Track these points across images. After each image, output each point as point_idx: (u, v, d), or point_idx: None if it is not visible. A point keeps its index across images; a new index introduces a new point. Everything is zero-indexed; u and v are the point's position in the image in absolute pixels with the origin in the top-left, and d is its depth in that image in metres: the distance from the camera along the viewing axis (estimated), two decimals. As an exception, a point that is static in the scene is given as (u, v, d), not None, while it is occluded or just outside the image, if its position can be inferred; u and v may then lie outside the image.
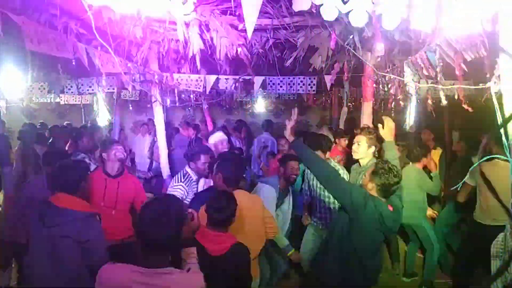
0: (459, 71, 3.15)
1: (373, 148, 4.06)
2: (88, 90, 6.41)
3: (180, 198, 3.48)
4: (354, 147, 4.15)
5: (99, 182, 4.02)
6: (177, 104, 7.58)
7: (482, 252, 2.77)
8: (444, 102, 3.70)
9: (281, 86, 6.26)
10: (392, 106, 5.20)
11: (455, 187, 3.35)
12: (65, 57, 3.44)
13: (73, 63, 3.63)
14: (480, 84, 2.33)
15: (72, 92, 6.55)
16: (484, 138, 4.97)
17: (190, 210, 2.43)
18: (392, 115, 6.68)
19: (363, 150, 4.08)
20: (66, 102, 9.87)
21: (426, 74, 3.75)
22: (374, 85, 4.98)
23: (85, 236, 2.85)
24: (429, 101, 4.28)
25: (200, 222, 2.44)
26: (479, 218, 4.38)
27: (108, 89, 6.43)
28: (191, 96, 8.56)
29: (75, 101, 9.89)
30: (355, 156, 4.15)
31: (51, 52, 3.27)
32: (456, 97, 3.44)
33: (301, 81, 6.26)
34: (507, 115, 2.04)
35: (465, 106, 3.30)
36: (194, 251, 2.41)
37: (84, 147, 5.35)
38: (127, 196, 4.17)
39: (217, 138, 5.14)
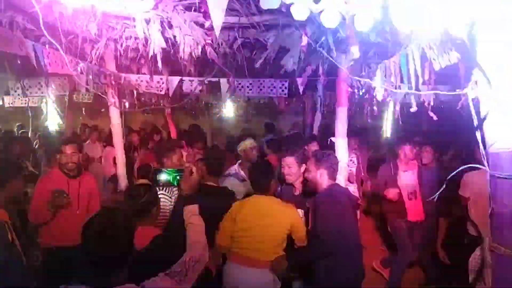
0: (429, 78, 3.26)
1: (303, 166, 4.10)
2: (36, 92, 6.25)
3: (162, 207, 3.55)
4: (285, 171, 4.16)
5: (60, 183, 4.19)
6: (136, 108, 7.48)
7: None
8: (414, 108, 3.81)
9: (250, 89, 6.29)
10: (368, 112, 5.29)
11: (432, 197, 3.43)
12: (11, 54, 3.36)
13: (18, 61, 3.55)
14: (457, 90, 2.41)
15: (18, 94, 6.37)
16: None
17: (187, 164, 2.55)
18: (369, 121, 6.86)
19: (296, 170, 4.13)
20: (11, 105, 9.57)
21: (393, 81, 3.86)
22: (349, 89, 5.06)
23: None
24: (396, 107, 4.40)
25: (199, 176, 2.61)
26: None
27: (60, 91, 6.30)
28: (152, 99, 8.48)
29: (22, 103, 9.60)
30: (290, 179, 4.17)
31: (-6, 49, 3.19)
32: (432, 103, 3.55)
33: (272, 84, 6.31)
34: (483, 121, 2.12)
35: (430, 114, 3.44)
36: (195, 209, 2.49)
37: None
38: (88, 196, 4.40)
39: (247, 145, 5.23)
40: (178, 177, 2.59)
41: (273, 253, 3.45)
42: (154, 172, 2.65)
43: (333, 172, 3.62)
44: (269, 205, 3.54)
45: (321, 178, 3.59)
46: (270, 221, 3.46)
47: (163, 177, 2.61)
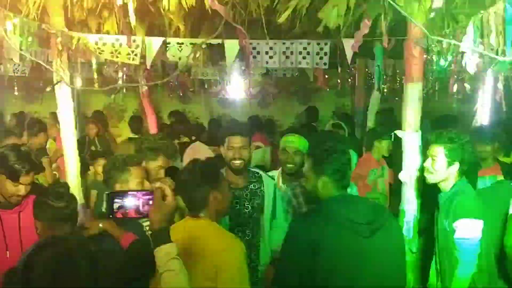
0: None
1: (456, 165, 4.16)
2: None
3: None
4: (427, 164, 4.26)
5: None
6: (95, 86, 7.52)
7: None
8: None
9: (271, 57, 6.27)
10: (454, 90, 5.25)
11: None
12: None
13: None
14: None
15: None
16: None
17: (158, 184, 2.60)
18: (454, 105, 6.80)
19: (441, 167, 4.18)
20: None
21: (493, 44, 3.81)
22: (425, 55, 5.01)
23: None
24: (498, 85, 4.34)
25: (176, 201, 2.62)
26: None
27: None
28: (120, 72, 8.51)
29: None
30: (431, 178, 4.29)
31: None
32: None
33: (305, 48, 6.28)
34: None
35: None
36: (174, 249, 2.52)
37: None
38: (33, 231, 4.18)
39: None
40: (149, 202, 2.58)
41: None
42: (110, 197, 2.61)
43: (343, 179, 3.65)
44: (195, 236, 3.43)
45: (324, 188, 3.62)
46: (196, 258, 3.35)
47: (129, 202, 2.59)
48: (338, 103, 13.16)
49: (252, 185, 4.79)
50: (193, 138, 8.86)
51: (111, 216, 2.63)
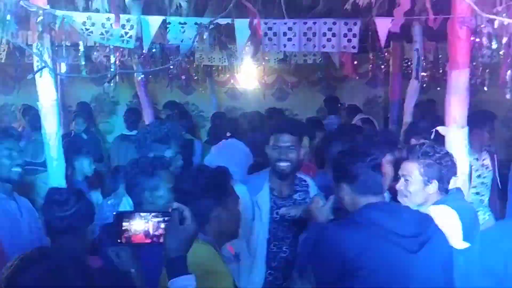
0: None
1: (434, 185, 4.11)
2: None
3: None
4: (399, 185, 4.23)
5: None
6: (84, 73, 7.55)
7: None
8: None
9: (289, 39, 6.26)
10: (507, 79, 5.22)
11: None
12: None
13: None
14: None
15: None
16: None
17: (175, 204, 2.59)
18: (507, 96, 6.78)
19: (416, 188, 4.14)
20: None
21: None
22: (473, 38, 5.00)
23: None
24: None
25: (195, 226, 2.60)
26: None
27: None
28: (111, 57, 8.53)
29: None
30: (406, 202, 4.19)
31: None
32: None
33: (330, 29, 6.27)
34: None
35: None
36: (193, 283, 2.49)
37: None
38: None
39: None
40: (161, 225, 2.57)
41: None
42: (118, 219, 2.61)
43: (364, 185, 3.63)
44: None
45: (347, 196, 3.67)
46: None
47: (137, 225, 2.59)
48: (369, 94, 13.13)
49: (297, 195, 4.80)
50: (228, 134, 8.79)
51: (119, 241, 2.63)
